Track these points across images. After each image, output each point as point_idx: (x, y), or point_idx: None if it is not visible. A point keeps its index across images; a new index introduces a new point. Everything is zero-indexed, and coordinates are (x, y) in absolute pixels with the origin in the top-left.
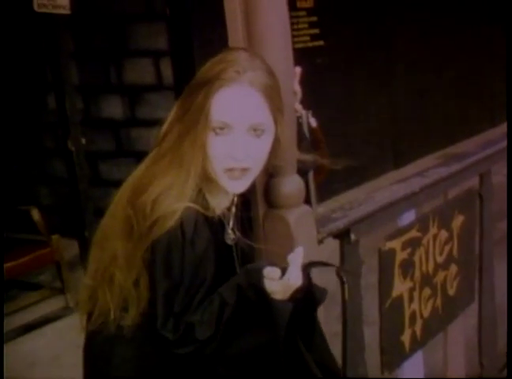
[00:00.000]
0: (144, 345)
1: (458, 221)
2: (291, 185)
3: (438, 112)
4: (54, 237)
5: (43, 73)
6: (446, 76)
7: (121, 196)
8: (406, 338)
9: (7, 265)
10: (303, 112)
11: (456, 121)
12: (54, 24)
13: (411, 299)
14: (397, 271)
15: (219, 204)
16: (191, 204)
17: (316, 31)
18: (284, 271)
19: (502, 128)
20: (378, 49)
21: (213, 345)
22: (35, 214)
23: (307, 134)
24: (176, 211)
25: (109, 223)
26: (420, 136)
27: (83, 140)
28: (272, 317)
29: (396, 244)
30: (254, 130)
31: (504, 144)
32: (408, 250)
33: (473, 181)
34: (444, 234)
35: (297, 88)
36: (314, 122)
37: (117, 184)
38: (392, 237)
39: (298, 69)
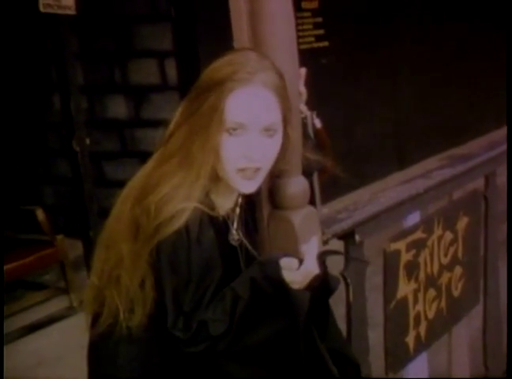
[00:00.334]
0: (149, 346)
1: (463, 222)
2: (296, 186)
3: (443, 113)
4: (59, 237)
5: (47, 73)
6: (451, 77)
7: (126, 196)
8: (411, 339)
9: (12, 265)
10: (308, 113)
11: (460, 122)
12: (60, 24)
13: (415, 301)
14: (401, 272)
15: (223, 204)
16: (197, 205)
17: (321, 31)
18: (299, 261)
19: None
20: (382, 50)
21: (226, 341)
22: (40, 214)
23: (312, 135)
24: (183, 211)
25: (114, 224)
26: (425, 137)
27: (87, 141)
28: (291, 307)
29: (400, 245)
30: (267, 130)
31: None
32: (413, 252)
33: (478, 183)
34: (449, 235)
35: (302, 88)
36: (318, 123)
37: (121, 184)
38: (397, 238)
39: (303, 70)
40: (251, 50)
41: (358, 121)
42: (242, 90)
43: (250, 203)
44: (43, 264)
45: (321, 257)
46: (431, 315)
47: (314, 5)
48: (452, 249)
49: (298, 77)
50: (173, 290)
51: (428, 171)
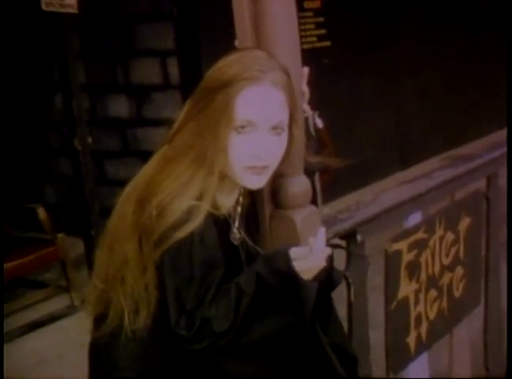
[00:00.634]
0: (150, 346)
1: (465, 223)
2: (297, 185)
3: (445, 114)
4: (60, 235)
5: (49, 72)
6: (453, 78)
7: (129, 196)
8: (412, 340)
9: (13, 263)
10: (310, 113)
11: (462, 122)
12: (62, 23)
13: (417, 301)
14: (403, 272)
15: (225, 203)
16: (202, 203)
17: (323, 31)
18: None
19: None
20: (384, 50)
21: (229, 336)
22: (41, 212)
23: (314, 134)
24: (190, 210)
25: (117, 223)
26: (426, 137)
27: (89, 140)
28: (298, 300)
29: (402, 245)
30: (275, 129)
31: None
32: (415, 252)
33: (480, 183)
34: (450, 235)
35: (305, 88)
36: (320, 123)
37: (123, 183)
38: (398, 238)
39: (306, 70)
40: (259, 49)
41: (359, 121)
42: (252, 88)
43: (251, 202)
44: (44, 263)
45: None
46: (432, 315)
47: (316, 4)
48: (453, 250)
49: (301, 77)
50: (175, 288)
51: (430, 172)
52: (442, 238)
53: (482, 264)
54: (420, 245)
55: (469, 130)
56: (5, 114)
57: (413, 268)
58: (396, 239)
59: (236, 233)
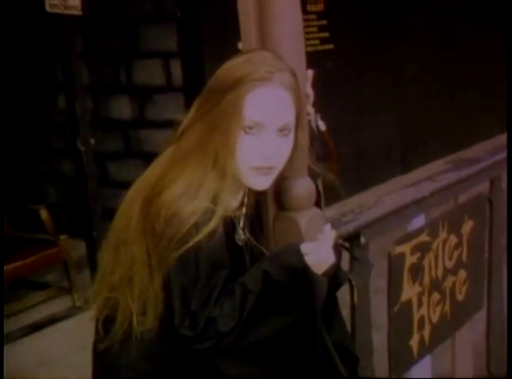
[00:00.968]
0: (153, 345)
1: (468, 226)
2: (302, 187)
3: (447, 117)
4: (62, 236)
5: (53, 73)
6: (456, 81)
7: (136, 195)
8: (414, 343)
9: (15, 264)
10: (313, 115)
11: (465, 126)
12: (65, 24)
13: (420, 304)
14: (406, 275)
15: (230, 203)
16: (210, 205)
17: (326, 34)
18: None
19: None
20: (387, 52)
21: (233, 336)
22: (44, 213)
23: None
24: (206, 212)
25: (123, 224)
26: (428, 140)
27: (92, 141)
28: (311, 293)
29: (405, 248)
30: (282, 130)
31: None
32: (418, 255)
33: (483, 187)
34: (453, 239)
35: (309, 90)
36: (322, 126)
37: (125, 184)
38: (401, 241)
39: (310, 72)
40: (266, 50)
41: (362, 124)
42: (261, 89)
43: (255, 203)
44: (47, 264)
45: (337, 247)
46: (434, 319)
47: (320, 7)
48: (456, 253)
49: (305, 79)
50: (181, 288)
51: (434, 175)
52: (445, 242)
53: (485, 267)
54: (423, 248)
55: (472, 134)
56: (8, 115)
57: (416, 271)
58: (399, 242)
59: (241, 234)
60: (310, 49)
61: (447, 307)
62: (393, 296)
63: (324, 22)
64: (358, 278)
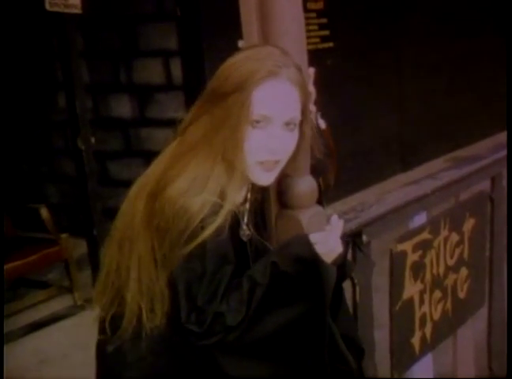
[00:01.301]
0: (158, 344)
1: (469, 224)
2: (304, 185)
3: (448, 114)
4: (63, 235)
5: (53, 71)
6: (456, 79)
7: (140, 190)
8: (416, 340)
9: (16, 263)
10: (314, 113)
11: (465, 124)
12: (65, 23)
13: (421, 302)
14: (407, 273)
15: (232, 198)
16: (218, 200)
17: (326, 32)
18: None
19: None
20: (387, 51)
21: (240, 330)
22: (44, 212)
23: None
24: (206, 205)
25: (128, 220)
26: (428, 139)
27: (92, 140)
28: (320, 282)
29: (407, 246)
30: (288, 124)
31: None
32: (419, 252)
33: (484, 185)
34: (455, 236)
35: (311, 88)
36: (323, 124)
37: (125, 183)
38: (403, 239)
39: (311, 70)
40: (274, 46)
41: (362, 123)
42: (269, 83)
43: (258, 199)
44: (47, 263)
45: (344, 237)
46: (436, 316)
47: (320, 5)
48: (458, 251)
49: (308, 76)
50: (186, 284)
51: (435, 172)
52: (446, 239)
53: (486, 265)
54: (425, 246)
55: (472, 132)
56: (9, 114)
57: (418, 269)
58: (401, 240)
59: (245, 229)
60: (310, 47)
61: (449, 305)
62: (395, 294)
63: (324, 20)
64: (360, 276)
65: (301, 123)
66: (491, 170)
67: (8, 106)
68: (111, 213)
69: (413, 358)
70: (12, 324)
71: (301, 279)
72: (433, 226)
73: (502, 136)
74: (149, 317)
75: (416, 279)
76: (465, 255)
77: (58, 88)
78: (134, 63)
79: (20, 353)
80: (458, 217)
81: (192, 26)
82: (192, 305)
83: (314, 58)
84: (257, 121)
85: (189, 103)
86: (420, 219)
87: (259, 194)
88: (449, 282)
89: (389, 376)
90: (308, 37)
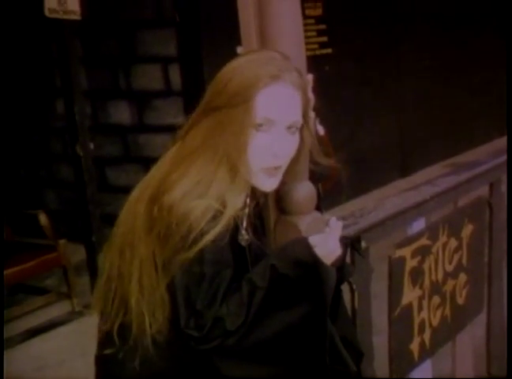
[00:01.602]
0: (157, 350)
1: (468, 230)
2: (303, 191)
3: (446, 120)
4: (61, 241)
5: (52, 78)
6: (455, 85)
7: (141, 194)
8: (415, 346)
9: (14, 269)
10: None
11: (464, 129)
12: (64, 29)
13: (420, 307)
14: (406, 279)
15: (234, 204)
16: (219, 206)
17: (324, 39)
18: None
19: None
20: (386, 57)
21: (239, 334)
22: (43, 218)
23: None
24: (208, 211)
25: (129, 225)
26: (428, 144)
27: (91, 146)
28: (320, 284)
29: (406, 252)
30: (290, 128)
31: None
32: (418, 258)
33: (483, 190)
34: (454, 242)
35: (310, 94)
36: (321, 130)
37: (124, 189)
38: (402, 245)
39: (310, 77)
40: (272, 51)
41: (361, 128)
42: (272, 87)
43: (257, 205)
44: (46, 269)
45: (343, 240)
46: (435, 322)
47: (318, 12)
48: (456, 257)
49: (307, 83)
50: (185, 288)
51: (434, 178)
52: (445, 245)
53: (485, 270)
54: (424, 252)
55: (471, 137)
56: (7, 120)
57: (417, 275)
58: (399, 246)
59: (244, 234)
60: (308, 53)
61: (447, 311)
62: (394, 300)
63: (323, 26)
64: (358, 281)
65: (301, 127)
66: (490, 176)
67: (7, 112)
68: (110, 219)
69: (412, 364)
70: (10, 330)
71: (301, 281)
72: (432, 232)
73: (501, 142)
74: (152, 321)
75: (414, 285)
76: (464, 261)
77: (57, 94)
78: (133, 69)
79: (19, 359)
80: (457, 223)
81: (191, 32)
82: (191, 309)
83: (313, 64)
84: (260, 125)
85: (188, 109)
86: (419, 225)
87: (258, 199)
88: (447, 288)
89: None
90: (307, 43)
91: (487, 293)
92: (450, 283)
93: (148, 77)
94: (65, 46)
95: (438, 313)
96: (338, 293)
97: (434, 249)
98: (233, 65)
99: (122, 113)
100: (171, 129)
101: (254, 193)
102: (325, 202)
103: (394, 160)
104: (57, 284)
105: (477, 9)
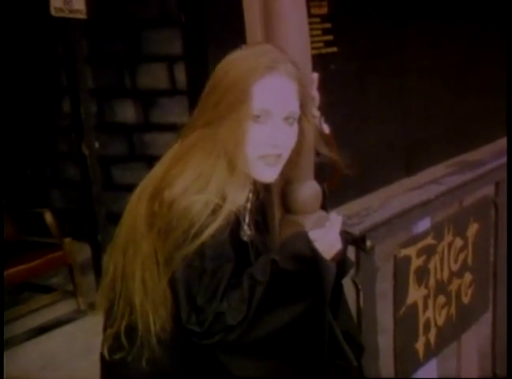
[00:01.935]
0: (161, 348)
1: (473, 229)
2: (307, 190)
3: (451, 120)
4: (67, 240)
5: (57, 77)
6: (460, 83)
7: (142, 193)
8: (420, 346)
9: (19, 268)
10: (317, 118)
11: (468, 129)
12: (70, 28)
13: (425, 307)
14: (411, 278)
15: (235, 199)
16: (219, 200)
17: (330, 37)
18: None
19: None
20: (391, 55)
21: (241, 329)
22: (48, 217)
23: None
24: (207, 206)
25: (131, 224)
26: (432, 143)
27: (96, 144)
28: (320, 279)
29: (411, 251)
30: (287, 119)
31: None
32: (423, 257)
33: (489, 189)
34: (459, 241)
35: (315, 93)
36: (326, 129)
37: (129, 188)
38: (407, 244)
39: (315, 75)
40: (267, 44)
41: (366, 127)
42: (267, 77)
43: (260, 203)
44: (51, 267)
45: (343, 235)
46: (440, 321)
47: (323, 10)
48: (462, 256)
49: (311, 81)
50: (186, 283)
51: (439, 177)
52: (450, 244)
53: (490, 270)
54: (429, 251)
55: (476, 136)
56: (13, 119)
57: (422, 274)
58: (405, 245)
59: (246, 230)
60: (314, 52)
61: (453, 310)
62: (399, 299)
63: (328, 25)
64: (363, 281)
65: (300, 119)
66: (495, 175)
67: (12, 111)
68: (115, 218)
69: (417, 364)
70: (16, 328)
71: (301, 276)
72: (437, 231)
73: (506, 141)
74: (156, 319)
75: (419, 285)
76: (469, 260)
77: (63, 93)
78: (139, 68)
79: (24, 357)
80: (462, 222)
81: (196, 31)
82: (192, 304)
83: (318, 62)
84: (258, 116)
85: (193, 107)
86: (424, 224)
87: (260, 194)
88: (453, 287)
89: None
90: (312, 42)
91: (492, 292)
92: (456, 282)
93: (154, 76)
94: (71, 46)
95: (444, 312)
96: (339, 287)
97: (439, 249)
98: (229, 59)
99: (127, 112)
100: (176, 128)
101: (257, 187)
102: (330, 201)
103: (399, 159)
104: (62, 283)
105: (483, 9)
